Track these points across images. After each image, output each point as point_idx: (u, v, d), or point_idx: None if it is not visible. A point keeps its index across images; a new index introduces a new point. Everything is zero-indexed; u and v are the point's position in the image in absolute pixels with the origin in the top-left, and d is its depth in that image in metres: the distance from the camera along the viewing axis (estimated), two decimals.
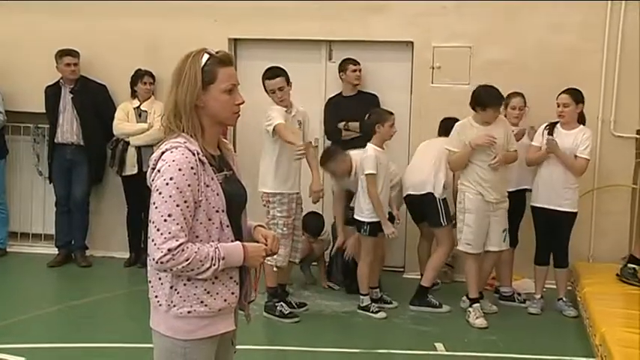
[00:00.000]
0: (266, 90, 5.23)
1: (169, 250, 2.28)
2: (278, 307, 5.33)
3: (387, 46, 6.58)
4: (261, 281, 2.59)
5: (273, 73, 5.22)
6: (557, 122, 5.53)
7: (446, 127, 5.74)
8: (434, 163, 5.60)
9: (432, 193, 5.55)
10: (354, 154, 5.59)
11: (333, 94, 6.57)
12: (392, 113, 5.51)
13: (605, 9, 6.12)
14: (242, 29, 6.68)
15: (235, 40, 6.78)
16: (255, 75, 5.83)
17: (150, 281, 2.46)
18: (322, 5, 6.50)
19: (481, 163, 5.26)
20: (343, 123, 6.28)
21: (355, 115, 6.09)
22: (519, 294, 5.83)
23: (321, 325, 5.32)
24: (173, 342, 2.43)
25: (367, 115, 5.54)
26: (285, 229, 5.24)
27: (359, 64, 6.41)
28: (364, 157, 5.37)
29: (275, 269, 5.22)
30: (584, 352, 4.70)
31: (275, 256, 4.87)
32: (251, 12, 6.59)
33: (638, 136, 6.20)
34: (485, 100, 5.23)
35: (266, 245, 2.50)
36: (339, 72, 6.44)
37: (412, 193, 5.66)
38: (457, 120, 5.56)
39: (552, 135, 5.46)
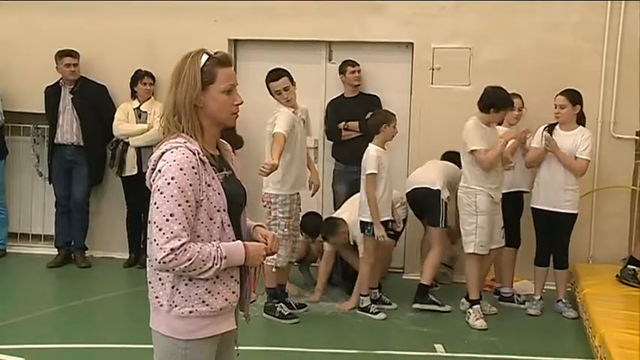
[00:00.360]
0: (271, 93, 5.22)
1: (172, 249, 2.29)
2: (278, 308, 5.33)
3: (386, 47, 6.58)
4: (259, 282, 2.60)
5: (276, 74, 5.21)
6: (556, 123, 5.54)
7: (449, 159, 5.85)
8: (442, 173, 5.68)
9: (441, 192, 5.57)
10: (346, 214, 5.66)
11: (333, 95, 6.60)
12: (394, 114, 5.53)
13: (605, 10, 6.12)
14: (242, 30, 6.69)
15: (235, 40, 6.78)
16: (254, 76, 5.85)
17: (150, 282, 2.46)
18: (322, 6, 6.50)
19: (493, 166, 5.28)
20: (343, 123, 6.30)
21: (356, 117, 6.11)
22: (519, 295, 5.83)
23: (321, 326, 5.32)
24: (174, 342, 2.43)
25: (370, 115, 5.56)
26: (286, 229, 5.24)
27: (358, 65, 6.43)
28: (366, 158, 5.39)
29: (274, 270, 5.22)
30: (584, 354, 4.70)
31: (275, 257, 4.92)
32: (251, 13, 6.59)
33: (637, 137, 6.20)
34: (498, 102, 5.25)
35: (266, 245, 2.51)
36: (340, 74, 6.47)
37: (419, 187, 5.65)
38: (458, 153, 5.61)
39: (550, 137, 5.47)
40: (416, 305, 5.54)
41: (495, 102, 5.25)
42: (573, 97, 5.48)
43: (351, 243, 5.69)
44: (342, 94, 6.52)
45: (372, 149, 5.40)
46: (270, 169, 4.80)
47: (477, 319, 5.27)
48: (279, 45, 6.63)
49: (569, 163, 5.43)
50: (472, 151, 5.24)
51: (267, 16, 6.57)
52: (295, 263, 5.83)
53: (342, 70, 6.45)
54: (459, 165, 5.62)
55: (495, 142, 5.30)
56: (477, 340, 5.07)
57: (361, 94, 6.47)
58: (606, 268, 5.82)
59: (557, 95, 5.51)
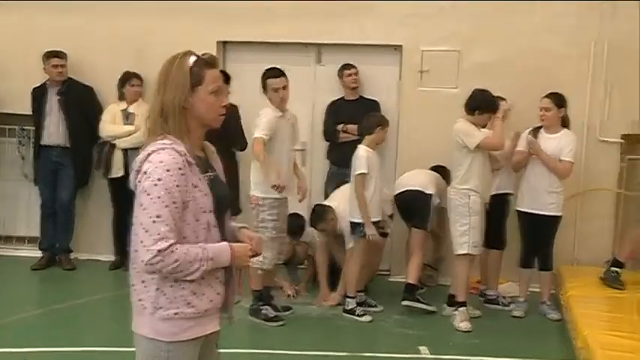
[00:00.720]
0: (266, 90, 5.21)
1: (159, 251, 2.28)
2: (263, 311, 5.32)
3: (376, 50, 6.60)
4: (245, 284, 2.60)
5: (277, 72, 5.23)
6: (541, 126, 5.58)
7: (435, 171, 5.89)
8: (433, 181, 5.73)
9: (432, 196, 5.60)
10: (335, 203, 5.70)
11: (322, 98, 6.61)
12: (388, 121, 5.65)
13: (594, 14, 6.16)
14: (231, 32, 6.68)
15: (225, 42, 6.77)
16: (244, 77, 5.86)
17: (133, 284, 2.45)
18: (312, 8, 6.52)
19: (483, 166, 5.33)
20: (342, 125, 6.32)
21: (354, 119, 6.11)
22: (504, 297, 5.86)
23: (307, 329, 5.32)
24: (157, 345, 2.42)
25: (367, 116, 5.64)
26: (274, 231, 5.23)
27: (354, 67, 6.47)
28: (356, 158, 5.43)
29: (260, 272, 5.22)
30: (567, 355, 4.72)
31: (262, 259, 4.92)
32: (241, 15, 6.59)
33: (623, 140, 6.24)
34: (484, 104, 5.29)
35: (250, 246, 2.51)
36: (338, 77, 6.52)
37: (411, 189, 5.67)
38: (444, 167, 5.77)
39: (535, 139, 5.51)
40: (405, 302, 5.54)
41: (481, 104, 5.29)
42: (558, 100, 5.53)
43: (338, 232, 5.69)
44: (343, 97, 6.55)
45: (361, 149, 5.45)
46: (280, 185, 4.91)
47: (462, 321, 5.29)
48: (268, 47, 6.63)
49: (553, 166, 5.47)
50: (478, 145, 5.21)
51: (256, 19, 6.58)
52: (282, 265, 5.83)
53: (340, 74, 6.51)
54: (445, 178, 5.71)
55: None
56: (461, 342, 5.09)
57: (361, 98, 6.51)
58: (590, 270, 5.85)
59: (543, 98, 5.55)
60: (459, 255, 5.36)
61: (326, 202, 5.88)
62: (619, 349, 4.25)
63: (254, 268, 5.08)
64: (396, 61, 6.57)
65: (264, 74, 5.24)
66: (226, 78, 5.47)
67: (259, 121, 5.09)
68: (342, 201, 5.65)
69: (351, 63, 6.49)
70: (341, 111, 6.43)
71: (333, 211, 5.68)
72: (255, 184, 5.24)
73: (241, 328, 5.12)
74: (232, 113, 5.80)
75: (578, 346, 4.59)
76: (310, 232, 6.10)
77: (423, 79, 6.46)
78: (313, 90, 6.74)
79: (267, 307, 5.34)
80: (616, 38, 6.15)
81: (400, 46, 6.51)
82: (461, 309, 5.37)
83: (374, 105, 6.41)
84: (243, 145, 6.07)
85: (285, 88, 5.19)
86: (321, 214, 5.73)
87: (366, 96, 6.54)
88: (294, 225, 5.83)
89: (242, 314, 5.23)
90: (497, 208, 5.68)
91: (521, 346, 5.00)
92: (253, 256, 2.53)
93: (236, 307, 2.64)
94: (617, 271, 5.62)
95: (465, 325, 5.27)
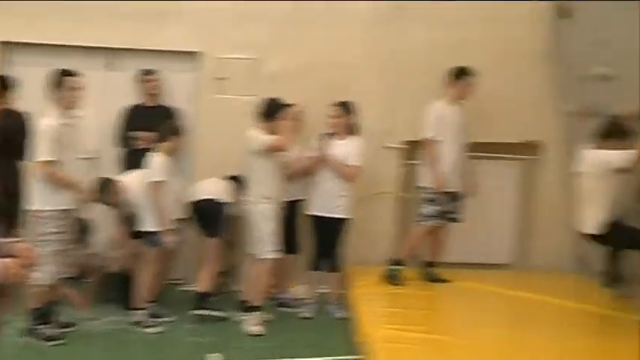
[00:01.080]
0: (60, 88, 4.89)
1: None
2: (41, 330, 4.96)
3: (173, 56, 6.48)
4: (22, 302, 2.40)
5: (74, 71, 4.98)
6: (330, 133, 5.82)
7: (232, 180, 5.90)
8: (227, 190, 5.74)
9: (226, 205, 5.61)
10: (125, 178, 5.56)
11: (111, 104, 6.31)
12: (184, 130, 5.60)
13: (383, 28, 6.52)
14: (13, 32, 6.21)
15: (6, 43, 6.27)
16: (30, 81, 5.45)
17: None
18: (104, 11, 6.25)
19: (276, 173, 5.42)
20: (136, 132, 6.10)
21: (153, 126, 5.91)
22: (294, 299, 6.01)
23: (92, 345, 5.04)
24: None
25: (163, 124, 5.56)
26: (57, 245, 4.90)
27: (154, 73, 6.32)
28: (150, 165, 5.32)
29: (40, 288, 4.87)
30: (352, 351, 4.93)
31: (42, 274, 4.60)
32: (24, 14, 6.15)
33: (405, 146, 6.67)
34: (277, 112, 5.38)
35: (23, 260, 2.33)
36: (138, 83, 6.33)
37: (205, 198, 5.63)
38: (236, 177, 5.75)
39: (325, 145, 5.72)
40: (195, 312, 5.51)
41: (275, 112, 5.40)
42: (346, 108, 5.80)
43: (123, 205, 5.53)
44: (141, 103, 6.33)
45: (157, 157, 5.35)
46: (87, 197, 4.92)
47: (254, 326, 5.36)
48: (57, 50, 6.24)
49: (341, 171, 5.72)
50: (267, 147, 5.26)
51: (44, 20, 6.17)
52: (71, 279, 5.48)
53: (139, 79, 6.32)
54: (241, 187, 5.73)
55: None
56: (253, 346, 5.13)
57: (160, 105, 6.35)
58: (376, 270, 6.14)
59: (332, 106, 5.79)
60: (258, 260, 5.42)
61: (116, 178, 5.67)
62: (396, 341, 4.56)
63: (34, 284, 4.73)
64: (193, 68, 6.49)
65: (62, 72, 4.96)
66: (3, 83, 5.10)
67: (40, 139, 4.81)
68: (133, 179, 5.48)
69: (151, 69, 6.34)
70: (139, 117, 6.23)
71: (117, 183, 5.48)
72: (34, 195, 4.90)
73: (16, 350, 4.74)
74: (19, 121, 5.42)
75: (361, 341, 4.83)
76: (99, 241, 5.83)
77: (221, 86, 6.43)
78: (104, 96, 6.41)
79: (45, 325, 4.99)
80: (406, 50, 6.54)
81: (198, 52, 6.44)
82: (255, 313, 5.43)
83: (174, 112, 6.30)
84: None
85: (79, 89, 4.97)
86: (104, 186, 5.48)
87: (165, 103, 6.40)
88: (78, 229, 5.52)
89: (17, 335, 4.84)
90: (291, 213, 5.82)
91: (310, 346, 5.15)
92: (26, 270, 2.35)
93: (8, 328, 2.42)
94: (397, 269, 6.03)
95: (257, 329, 5.34)
